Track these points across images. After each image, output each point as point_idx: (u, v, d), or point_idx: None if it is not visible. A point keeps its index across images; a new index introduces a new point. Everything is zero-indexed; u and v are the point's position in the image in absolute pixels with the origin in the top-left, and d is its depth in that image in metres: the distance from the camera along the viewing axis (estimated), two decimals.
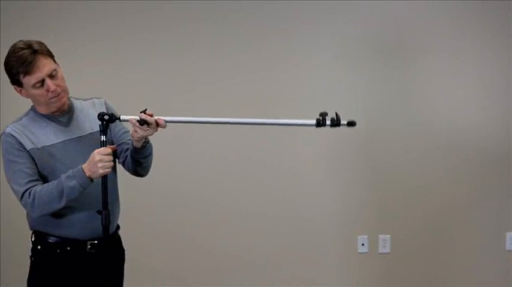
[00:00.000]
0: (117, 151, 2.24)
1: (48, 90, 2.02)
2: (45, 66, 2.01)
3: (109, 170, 1.98)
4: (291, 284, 3.61)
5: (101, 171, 1.96)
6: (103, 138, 2.02)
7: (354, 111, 3.55)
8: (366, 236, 3.61)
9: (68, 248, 2.09)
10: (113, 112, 2.12)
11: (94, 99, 2.28)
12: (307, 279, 3.62)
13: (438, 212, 3.58)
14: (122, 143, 2.26)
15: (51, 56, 2.08)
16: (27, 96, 2.08)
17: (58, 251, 2.10)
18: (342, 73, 3.57)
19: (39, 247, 2.12)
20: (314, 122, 2.01)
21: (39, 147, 2.05)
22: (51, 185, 2.00)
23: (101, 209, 2.04)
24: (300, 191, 3.60)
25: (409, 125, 3.57)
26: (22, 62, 1.98)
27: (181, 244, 3.61)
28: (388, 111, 3.57)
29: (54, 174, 2.05)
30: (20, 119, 2.12)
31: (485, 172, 3.56)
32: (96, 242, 2.11)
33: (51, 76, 2.03)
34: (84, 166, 1.98)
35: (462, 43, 3.53)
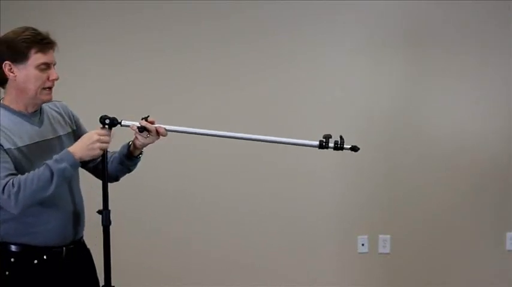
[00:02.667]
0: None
1: (48, 78, 1.97)
2: (52, 54, 2.00)
3: (107, 145, 1.94)
4: (291, 284, 3.61)
5: (98, 150, 1.91)
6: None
7: (353, 111, 3.56)
8: (366, 236, 3.61)
9: (45, 257, 2.00)
10: (115, 117, 2.05)
11: (55, 102, 2.17)
12: (307, 279, 3.62)
13: (438, 212, 3.58)
14: None
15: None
16: (14, 80, 1.93)
17: (35, 262, 1.98)
18: (342, 75, 3.57)
19: (12, 260, 1.96)
20: (317, 143, 2.01)
21: (16, 147, 1.91)
22: (37, 171, 1.87)
23: (101, 209, 2.03)
24: (299, 191, 3.59)
25: (409, 126, 3.57)
26: (41, 38, 1.94)
27: (180, 244, 3.62)
28: (388, 111, 3.57)
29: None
30: None
31: (485, 172, 3.56)
32: (72, 246, 2.07)
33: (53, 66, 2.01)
34: (73, 148, 1.91)
35: (462, 44, 3.53)
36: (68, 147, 1.94)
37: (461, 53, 3.52)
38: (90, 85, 3.55)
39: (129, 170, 2.21)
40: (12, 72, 1.94)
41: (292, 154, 3.51)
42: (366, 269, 3.63)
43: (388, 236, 3.61)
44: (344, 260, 3.63)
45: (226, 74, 3.57)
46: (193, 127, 2.14)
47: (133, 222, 3.49)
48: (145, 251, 3.54)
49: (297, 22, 3.55)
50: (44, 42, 1.94)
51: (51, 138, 2.05)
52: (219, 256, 3.63)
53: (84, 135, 1.97)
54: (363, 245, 3.61)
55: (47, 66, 1.96)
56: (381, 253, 3.61)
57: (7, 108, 1.98)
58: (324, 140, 1.99)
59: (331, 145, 2.00)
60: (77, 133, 2.16)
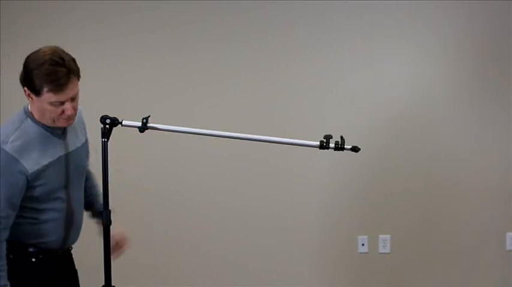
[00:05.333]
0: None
1: (63, 112, 1.95)
2: (72, 89, 1.93)
3: None
4: (291, 284, 3.61)
5: None
6: (104, 141, 2.00)
7: (354, 111, 3.56)
8: (366, 236, 3.61)
9: (41, 256, 2.09)
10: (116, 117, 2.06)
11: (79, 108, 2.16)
12: (307, 279, 3.62)
13: (438, 212, 3.58)
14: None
15: (79, 75, 1.98)
16: (33, 104, 1.97)
17: (33, 260, 2.08)
18: (343, 74, 3.57)
19: (11, 256, 2.02)
20: (318, 144, 2.01)
21: (41, 165, 1.97)
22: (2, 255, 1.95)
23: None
24: (299, 191, 3.59)
25: (409, 125, 3.57)
26: (54, 79, 1.88)
27: (181, 245, 3.62)
28: (388, 111, 3.57)
29: (49, 192, 2.03)
30: (16, 128, 1.98)
31: (485, 172, 3.56)
32: (68, 248, 2.20)
33: (72, 99, 1.96)
34: None
35: (461, 45, 3.53)
36: (82, 157, 2.15)
37: (461, 57, 3.52)
38: (90, 85, 3.53)
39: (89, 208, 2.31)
40: (30, 97, 1.96)
41: (293, 154, 3.51)
42: (366, 269, 3.63)
43: (388, 236, 3.61)
44: (344, 260, 3.63)
45: (227, 74, 3.57)
46: (193, 127, 2.14)
47: (132, 222, 3.47)
48: (145, 251, 3.53)
49: (297, 22, 3.55)
50: (57, 84, 1.88)
51: (72, 151, 2.10)
52: (219, 256, 3.63)
53: None
54: (363, 245, 3.61)
55: (60, 103, 1.93)
56: (381, 253, 3.61)
57: (34, 120, 2.00)
58: (325, 140, 2.00)
59: (331, 145, 2.01)
60: (87, 142, 2.22)
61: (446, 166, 3.57)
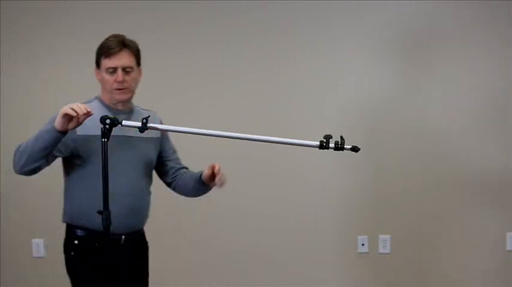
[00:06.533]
0: (163, 168, 2.46)
1: (115, 80, 2.18)
2: (123, 58, 2.20)
3: (70, 110, 1.98)
4: (291, 284, 3.61)
5: (62, 111, 1.98)
6: (103, 140, 1.99)
7: (354, 111, 3.56)
8: (366, 236, 3.61)
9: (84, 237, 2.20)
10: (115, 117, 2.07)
11: (151, 111, 2.34)
12: (307, 279, 3.62)
13: (438, 212, 3.58)
14: (170, 160, 2.46)
15: (137, 57, 2.26)
16: (99, 79, 2.25)
17: (96, 244, 2.15)
18: (343, 74, 3.57)
19: (76, 242, 2.20)
20: (317, 144, 2.01)
21: (89, 134, 2.12)
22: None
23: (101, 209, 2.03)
24: (299, 192, 3.59)
25: (410, 126, 3.57)
26: (108, 47, 2.20)
27: (181, 245, 3.62)
28: (388, 111, 3.57)
29: (92, 163, 2.14)
30: (82, 102, 2.14)
31: (485, 172, 3.56)
32: (129, 236, 2.25)
33: (125, 71, 2.20)
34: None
35: (463, 44, 3.53)
36: (143, 149, 2.27)
37: (461, 53, 3.52)
38: (90, 85, 3.54)
39: (202, 193, 2.48)
40: (96, 74, 2.27)
41: (293, 154, 3.51)
42: (366, 269, 3.62)
43: (388, 236, 3.61)
44: (344, 260, 3.63)
45: (227, 74, 3.58)
46: (193, 127, 2.14)
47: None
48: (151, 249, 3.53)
49: (297, 22, 3.55)
50: (109, 50, 2.19)
51: (129, 136, 2.21)
52: (219, 256, 3.63)
53: None
54: (363, 245, 3.61)
55: (114, 69, 2.19)
56: (381, 253, 3.61)
57: (101, 100, 2.27)
58: (325, 140, 1.99)
59: (331, 145, 2.01)
60: (160, 140, 2.38)
61: (446, 166, 3.57)
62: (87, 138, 2.15)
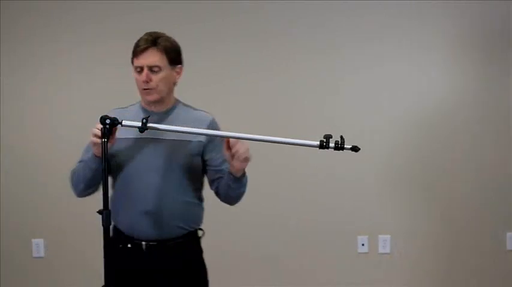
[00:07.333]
0: (207, 176, 2.27)
1: (142, 79, 2.09)
2: (150, 57, 2.09)
3: (96, 139, 1.97)
4: (291, 284, 3.61)
5: (92, 140, 2.00)
6: (104, 140, 1.98)
7: (353, 112, 3.56)
8: (366, 236, 3.61)
9: (129, 245, 2.13)
10: (117, 119, 2.03)
11: (203, 112, 2.24)
12: (307, 279, 3.62)
13: (438, 212, 3.58)
14: (219, 170, 2.21)
15: (168, 56, 2.12)
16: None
17: (120, 246, 2.12)
18: (343, 74, 3.57)
19: (120, 246, 2.13)
20: (317, 143, 2.00)
21: (123, 137, 2.09)
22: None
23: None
24: (299, 191, 3.60)
25: (409, 125, 3.57)
26: (136, 45, 2.11)
27: None
28: (388, 111, 3.57)
29: (117, 164, 2.11)
30: (127, 106, 2.22)
31: (485, 172, 3.56)
32: (153, 244, 2.12)
33: (152, 70, 2.09)
34: None
35: (461, 45, 3.54)
36: (176, 153, 2.11)
37: (460, 53, 3.53)
38: (90, 85, 3.55)
39: (240, 192, 2.30)
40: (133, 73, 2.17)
41: (293, 154, 3.51)
42: (366, 269, 3.63)
43: (388, 236, 3.61)
44: (344, 260, 3.63)
45: (227, 74, 3.57)
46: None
47: None
48: None
49: (297, 22, 3.55)
50: (136, 48, 2.11)
51: (158, 139, 2.11)
52: (219, 256, 3.62)
53: None
54: (363, 245, 3.61)
55: (140, 69, 2.10)
56: (380, 253, 3.61)
57: (139, 103, 2.21)
58: (325, 140, 1.99)
59: (331, 145, 2.00)
60: (211, 150, 2.18)
61: (445, 166, 3.57)
62: (121, 142, 2.11)
